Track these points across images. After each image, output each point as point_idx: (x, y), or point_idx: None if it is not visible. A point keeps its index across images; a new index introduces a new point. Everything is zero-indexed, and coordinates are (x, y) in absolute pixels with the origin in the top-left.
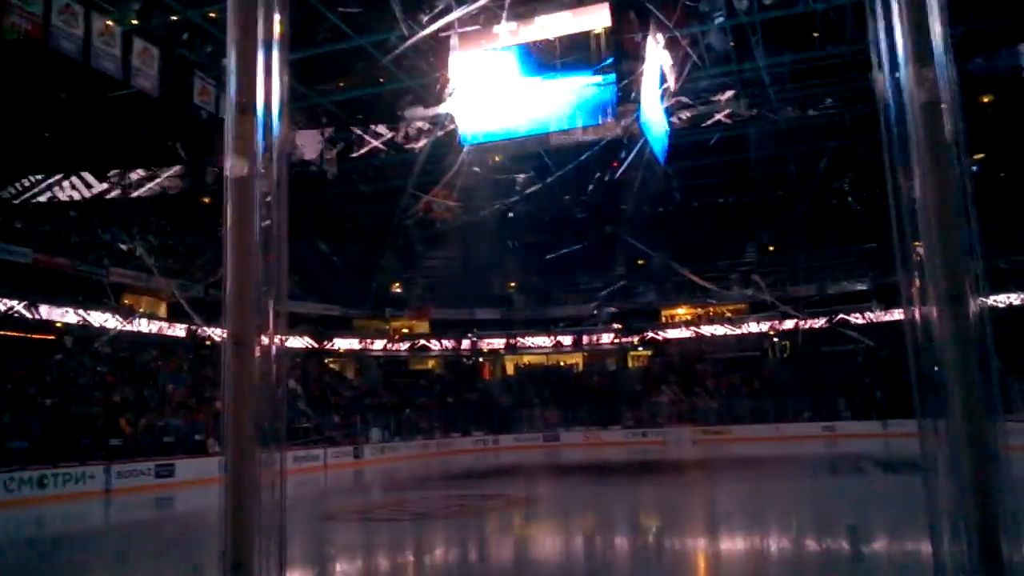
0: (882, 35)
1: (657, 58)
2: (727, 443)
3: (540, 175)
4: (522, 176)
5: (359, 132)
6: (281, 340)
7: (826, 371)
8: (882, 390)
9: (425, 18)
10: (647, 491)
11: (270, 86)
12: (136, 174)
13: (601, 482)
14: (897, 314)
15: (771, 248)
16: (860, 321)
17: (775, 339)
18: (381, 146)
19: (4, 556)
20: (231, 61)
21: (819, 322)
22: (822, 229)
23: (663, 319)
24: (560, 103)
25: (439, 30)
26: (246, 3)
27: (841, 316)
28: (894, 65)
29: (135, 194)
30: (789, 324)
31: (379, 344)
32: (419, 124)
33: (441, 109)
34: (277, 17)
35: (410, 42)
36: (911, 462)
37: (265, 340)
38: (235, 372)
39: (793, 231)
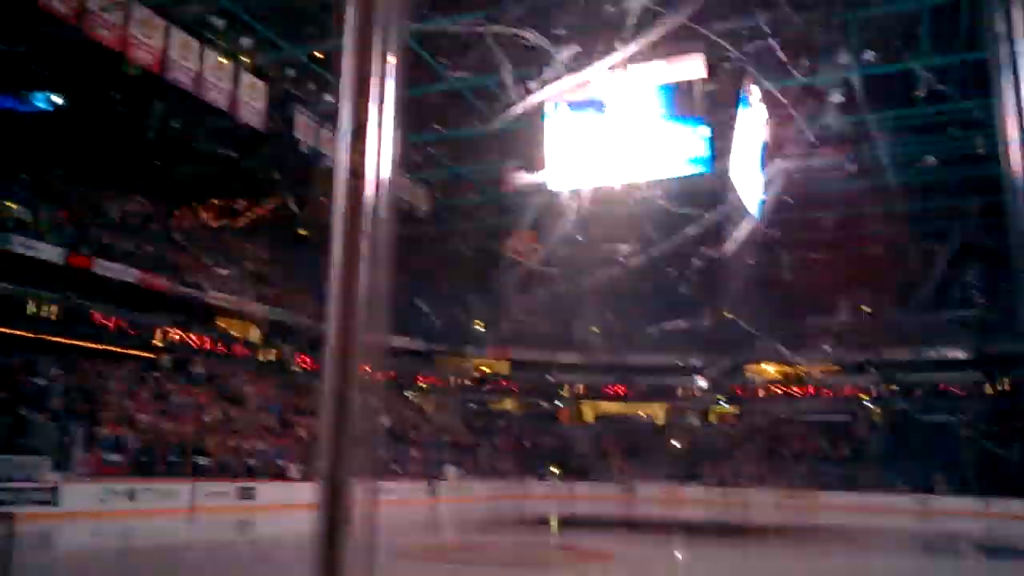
0: (1005, 90)
1: (754, 110)
2: (813, 510)
3: (630, 225)
4: (612, 225)
5: (451, 173)
6: (381, 375)
7: (922, 441)
8: (984, 466)
9: (531, 83)
10: (729, 556)
11: (381, 136)
12: (238, 203)
13: (679, 542)
14: (1000, 385)
15: (866, 308)
16: (959, 391)
17: (867, 404)
18: (472, 187)
19: (95, 566)
20: (343, 110)
21: (915, 388)
22: (920, 292)
23: (750, 375)
24: (652, 154)
25: (533, 77)
26: (361, 55)
27: (940, 384)
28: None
29: (236, 222)
30: (883, 388)
31: (460, 381)
32: (508, 168)
33: (543, 175)
34: (392, 61)
35: (510, 112)
36: (1017, 548)
37: (364, 372)
38: (333, 408)
39: (890, 292)
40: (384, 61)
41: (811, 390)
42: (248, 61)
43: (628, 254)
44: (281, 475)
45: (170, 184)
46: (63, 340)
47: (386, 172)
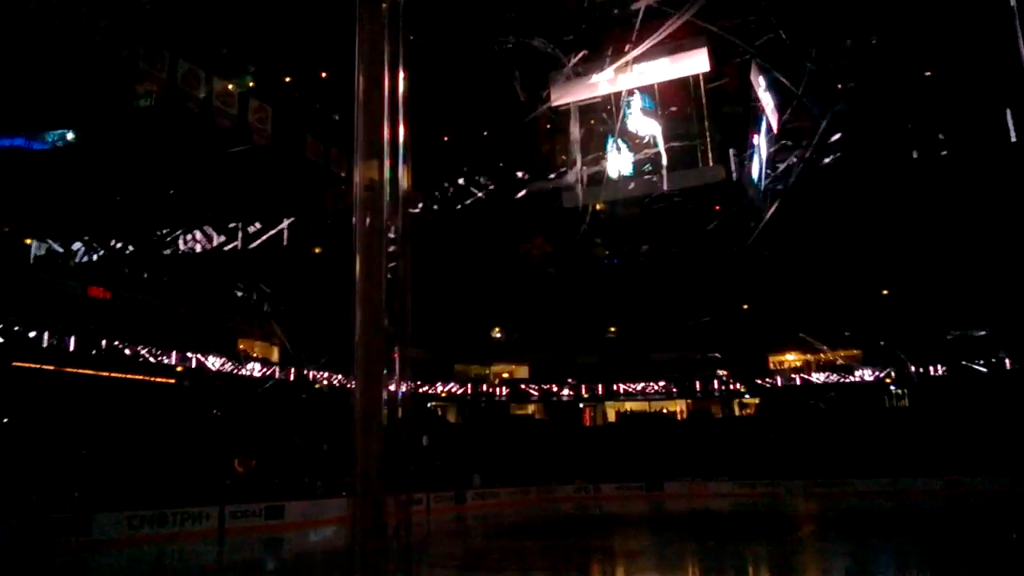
0: None
1: (760, 101)
2: (842, 497)
3: (643, 220)
4: (626, 220)
5: (462, 182)
6: (408, 385)
7: (949, 422)
8: (1012, 443)
9: (544, 93)
10: (759, 548)
11: (396, 149)
12: (253, 226)
13: (707, 536)
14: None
15: (884, 292)
16: (984, 369)
17: (892, 388)
18: (483, 196)
19: None
20: (358, 125)
21: (939, 370)
22: (939, 274)
23: (771, 365)
24: (661, 147)
25: (541, 82)
26: (373, 74)
27: (964, 363)
28: None
29: (251, 245)
30: (906, 372)
31: (480, 388)
32: (519, 174)
33: (564, 181)
34: (401, 81)
35: (521, 117)
36: None
37: (392, 386)
38: (364, 420)
39: (907, 275)
40: (395, 76)
41: (835, 376)
42: (253, 85)
43: (644, 251)
44: (308, 493)
45: (187, 212)
46: (85, 371)
47: (401, 183)
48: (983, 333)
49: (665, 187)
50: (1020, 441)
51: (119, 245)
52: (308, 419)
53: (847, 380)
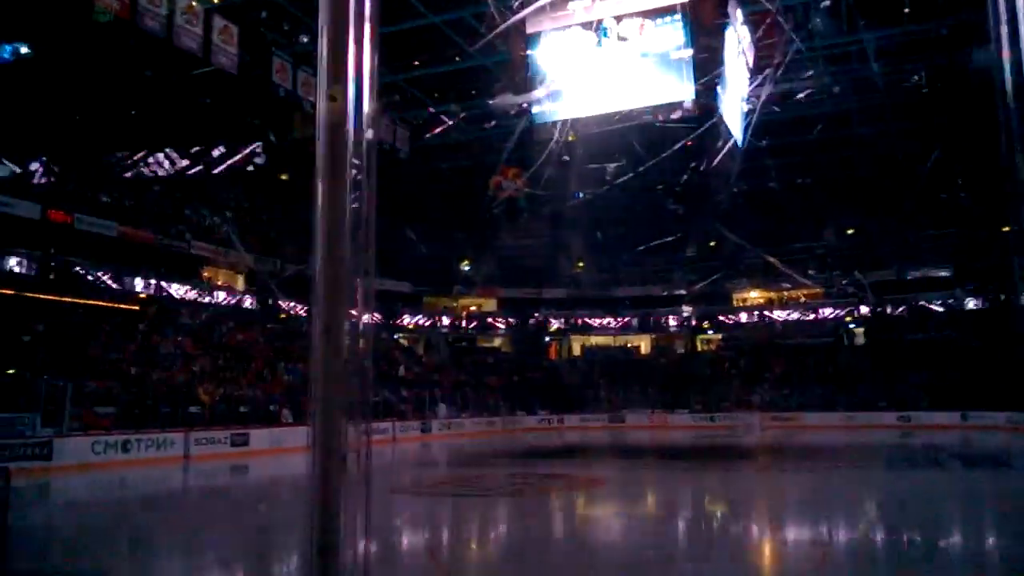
0: (1003, 11)
1: (737, 34)
2: (797, 430)
3: (613, 154)
4: (591, 154)
5: (432, 110)
6: (370, 318)
7: (904, 359)
8: (963, 380)
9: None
10: (713, 476)
11: (361, 71)
12: (217, 151)
13: (666, 465)
14: (982, 302)
15: (849, 231)
16: (941, 308)
17: (850, 325)
18: (454, 125)
19: (92, 516)
20: (322, 48)
21: (898, 308)
22: (904, 212)
23: (735, 302)
24: (634, 80)
25: (514, 7)
26: None
27: (921, 303)
28: (1015, 42)
29: (216, 170)
30: (865, 310)
31: (447, 321)
32: (490, 103)
33: (533, 95)
34: (369, 2)
35: (497, 30)
36: (994, 456)
37: (353, 318)
38: (325, 350)
39: (873, 214)
40: (362, 3)
41: (796, 314)
42: (217, 1)
43: (613, 175)
44: (273, 421)
45: (148, 135)
46: (46, 296)
47: (366, 105)
48: (945, 274)
49: (636, 119)
50: (970, 378)
51: (79, 168)
52: (273, 347)
53: (808, 318)
